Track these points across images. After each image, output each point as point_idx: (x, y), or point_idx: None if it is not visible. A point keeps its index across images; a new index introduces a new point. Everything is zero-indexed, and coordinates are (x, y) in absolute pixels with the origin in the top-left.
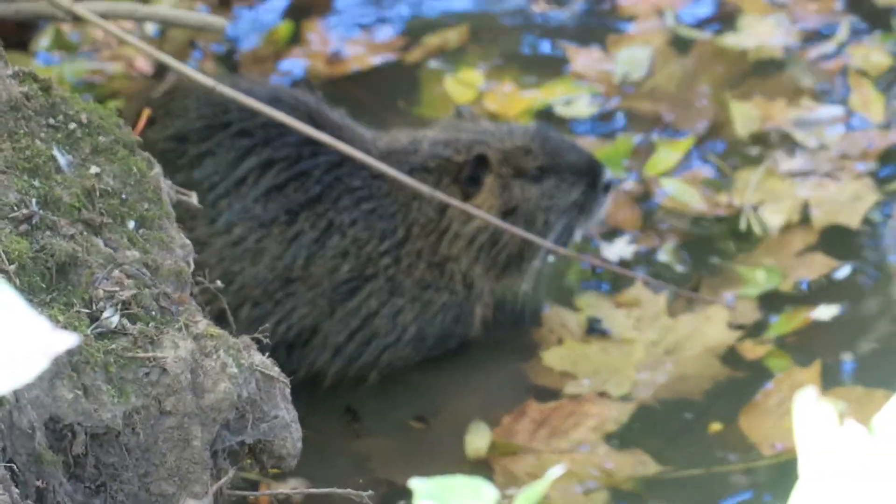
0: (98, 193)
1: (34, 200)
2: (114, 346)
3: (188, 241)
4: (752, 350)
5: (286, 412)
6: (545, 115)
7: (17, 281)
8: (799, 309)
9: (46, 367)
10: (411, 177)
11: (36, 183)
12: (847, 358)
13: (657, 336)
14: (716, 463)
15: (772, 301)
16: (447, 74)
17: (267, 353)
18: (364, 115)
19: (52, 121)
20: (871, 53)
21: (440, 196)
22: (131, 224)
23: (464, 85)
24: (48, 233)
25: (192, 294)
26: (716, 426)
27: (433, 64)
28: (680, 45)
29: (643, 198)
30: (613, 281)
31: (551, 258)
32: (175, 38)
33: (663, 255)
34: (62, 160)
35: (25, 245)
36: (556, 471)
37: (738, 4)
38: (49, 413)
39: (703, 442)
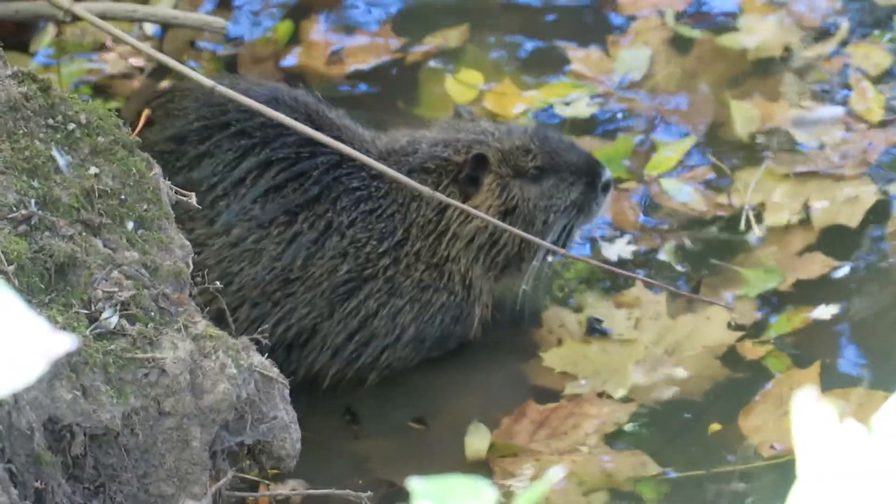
0: (97, 194)
1: (33, 201)
2: (113, 346)
3: (187, 242)
4: (752, 350)
5: (285, 413)
6: (544, 115)
7: (16, 281)
8: (798, 309)
9: (45, 370)
10: (410, 177)
11: (35, 183)
12: (847, 358)
13: (657, 336)
14: (715, 463)
15: (771, 301)
16: (447, 74)
17: (266, 354)
18: (363, 116)
19: (51, 121)
20: (872, 53)
21: (439, 196)
22: (130, 225)
23: (463, 85)
24: (47, 233)
25: (191, 295)
26: (715, 426)
27: (433, 64)
28: (680, 44)
29: (643, 198)
30: (613, 281)
31: (551, 258)
32: (175, 38)
33: (663, 256)
34: (61, 161)
35: (24, 245)
36: (556, 472)
37: (738, 4)
38: (48, 414)
39: (703, 442)
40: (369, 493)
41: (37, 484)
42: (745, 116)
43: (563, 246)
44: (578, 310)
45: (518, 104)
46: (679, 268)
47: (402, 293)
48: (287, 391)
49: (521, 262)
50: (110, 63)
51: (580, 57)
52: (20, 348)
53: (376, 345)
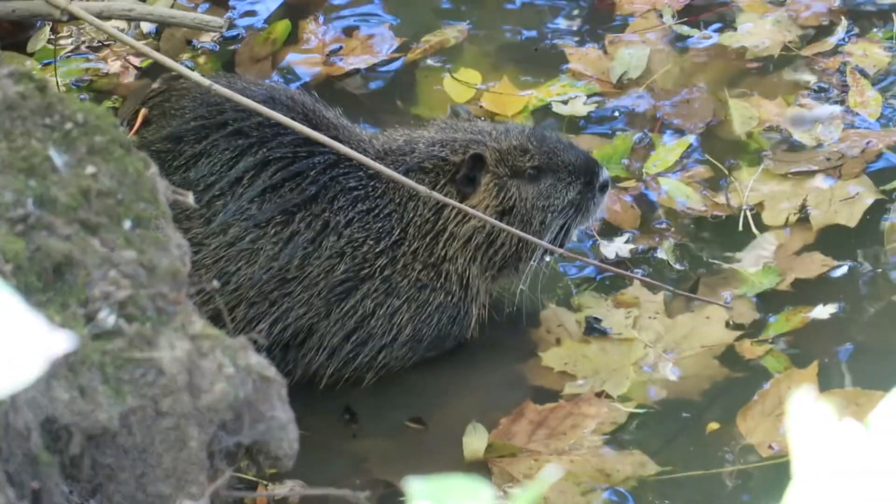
0: (94, 193)
1: (30, 200)
2: (110, 346)
3: (184, 242)
4: (751, 350)
5: (283, 413)
6: (542, 114)
7: (14, 281)
8: (797, 309)
9: (43, 371)
10: (408, 177)
11: (32, 183)
12: (845, 358)
13: (656, 336)
14: (714, 463)
15: (770, 301)
16: (445, 74)
17: (263, 354)
18: (361, 115)
19: (48, 120)
20: (870, 52)
21: (437, 196)
22: (127, 224)
23: (461, 84)
24: (44, 233)
25: (188, 294)
26: (713, 426)
27: (431, 63)
28: (678, 43)
29: (641, 197)
30: (612, 281)
31: (548, 258)
32: (172, 37)
33: (661, 255)
34: (58, 160)
35: (21, 245)
36: (552, 471)
37: (737, 3)
38: (45, 414)
39: (701, 442)
40: (367, 492)
41: (34, 484)
42: (743, 115)
43: (561, 246)
44: (577, 309)
45: (516, 103)
46: (678, 266)
47: (399, 293)
48: (285, 391)
49: (518, 262)
50: (107, 62)
51: (578, 56)
52: (19, 348)
53: (373, 345)
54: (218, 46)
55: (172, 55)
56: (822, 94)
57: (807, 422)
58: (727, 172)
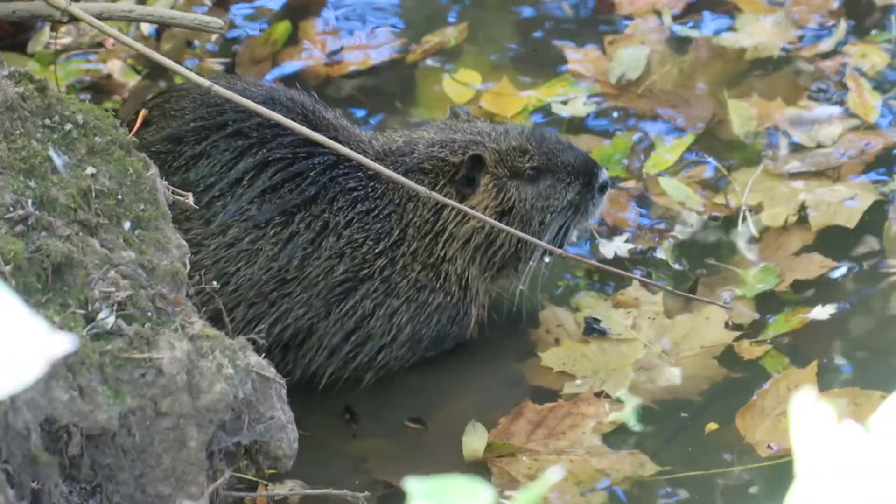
0: (94, 194)
1: (30, 201)
2: (109, 346)
3: (184, 242)
4: (750, 350)
5: (282, 413)
6: (542, 114)
7: (14, 282)
8: (796, 309)
9: (43, 371)
10: (407, 177)
11: (32, 184)
12: (844, 358)
13: (655, 336)
14: (713, 463)
15: (769, 301)
16: (444, 74)
17: (262, 354)
18: (360, 116)
19: (48, 121)
20: (869, 53)
21: (436, 196)
22: (127, 225)
23: (461, 85)
24: (44, 233)
25: (187, 295)
26: (712, 426)
27: (430, 64)
28: (677, 44)
29: (640, 197)
30: (612, 281)
31: (547, 259)
32: (173, 38)
33: (661, 255)
34: (58, 161)
35: (21, 246)
36: (554, 473)
37: (736, 4)
38: (45, 414)
39: (701, 442)
40: (366, 492)
41: (33, 484)
42: (742, 116)
43: (560, 246)
44: (576, 310)
45: (515, 104)
46: (677, 266)
47: (399, 293)
48: (284, 391)
49: (517, 263)
50: (107, 63)
51: (578, 57)
52: (19, 349)
53: (372, 345)
54: (218, 47)
55: (173, 57)
56: (822, 95)
57: (808, 422)
58: (726, 173)
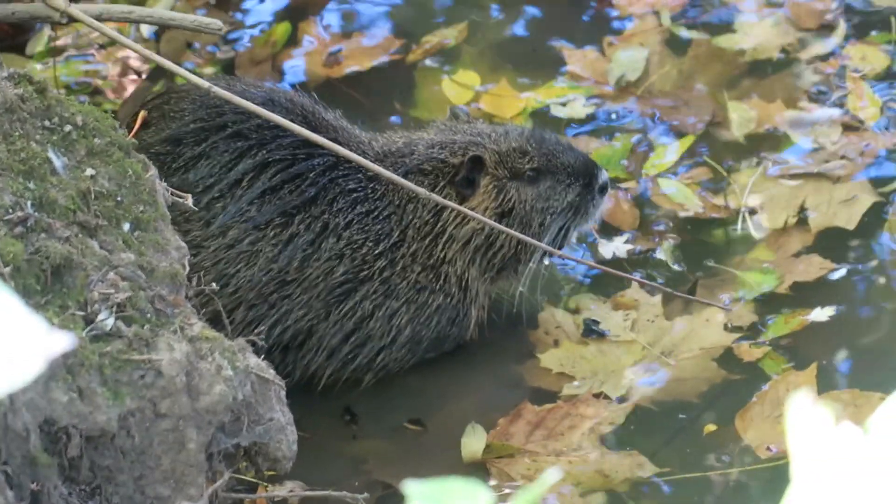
0: (93, 196)
1: (29, 203)
2: (109, 348)
3: (183, 244)
4: (749, 352)
5: (281, 415)
6: (541, 115)
7: (13, 283)
8: (795, 311)
9: (42, 370)
10: (407, 179)
11: (31, 185)
12: (843, 360)
13: (654, 338)
14: (711, 465)
15: (768, 303)
16: (443, 76)
17: (262, 356)
18: (360, 117)
19: (47, 123)
20: (869, 54)
21: (436, 198)
22: (126, 226)
23: (460, 86)
24: (43, 235)
25: (187, 296)
26: (711, 428)
27: (430, 65)
28: (676, 45)
29: (640, 199)
30: (611, 282)
31: (547, 260)
32: (172, 39)
33: (660, 257)
34: (57, 162)
35: (20, 247)
36: (552, 474)
37: (736, 4)
38: (44, 415)
39: (699, 444)
40: (366, 494)
41: (33, 486)
42: (742, 117)
43: (560, 248)
44: (575, 311)
45: (514, 105)
46: (676, 268)
47: (398, 295)
48: (283, 393)
49: (517, 264)
50: (107, 65)
51: (576, 58)
52: (17, 349)
53: (372, 346)
54: (218, 49)
55: (172, 58)
56: (821, 97)
57: (806, 424)
58: (726, 174)
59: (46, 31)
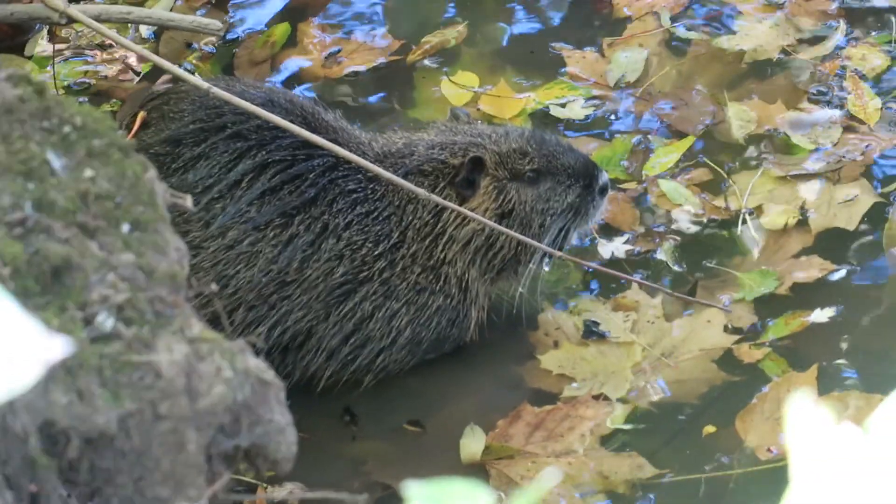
0: (92, 197)
1: (28, 204)
2: (108, 349)
3: (183, 245)
4: (749, 353)
5: (281, 416)
6: (540, 116)
7: (12, 285)
8: (796, 312)
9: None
10: (407, 180)
11: (30, 186)
12: (844, 362)
13: (654, 339)
14: (711, 467)
15: (768, 304)
16: (443, 76)
17: (261, 357)
18: (359, 118)
19: (46, 124)
20: (869, 55)
21: (436, 199)
22: (126, 227)
23: (460, 87)
24: (42, 236)
25: (186, 298)
26: (711, 429)
27: (429, 66)
28: (676, 46)
29: (640, 200)
30: (611, 283)
31: (547, 261)
32: (171, 40)
33: (660, 258)
34: (56, 163)
35: (19, 249)
36: (551, 474)
37: (736, 5)
38: (43, 417)
39: (699, 445)
40: (365, 495)
41: (32, 488)
42: (741, 118)
43: (560, 249)
44: (575, 313)
45: (514, 106)
46: (676, 269)
47: (398, 296)
48: (283, 394)
49: (517, 265)
50: (106, 65)
51: (576, 59)
52: (17, 352)
53: (372, 347)
54: (217, 49)
55: (171, 59)
56: (821, 98)
57: (806, 425)
58: (726, 175)
59: (45, 32)
